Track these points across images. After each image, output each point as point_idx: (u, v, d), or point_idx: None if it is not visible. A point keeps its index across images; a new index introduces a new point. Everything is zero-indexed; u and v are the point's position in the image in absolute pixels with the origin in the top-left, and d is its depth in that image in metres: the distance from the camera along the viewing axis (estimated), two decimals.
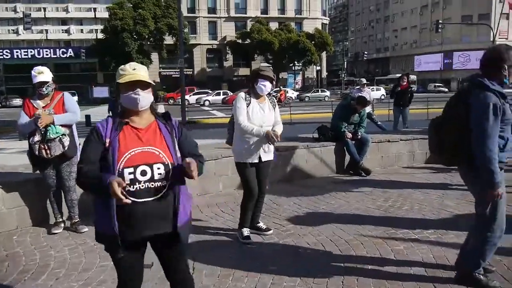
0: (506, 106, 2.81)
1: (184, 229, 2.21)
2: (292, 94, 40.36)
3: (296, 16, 56.46)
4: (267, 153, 4.04)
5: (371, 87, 40.06)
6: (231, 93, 39.03)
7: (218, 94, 40.35)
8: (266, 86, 3.90)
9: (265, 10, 56.54)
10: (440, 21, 39.70)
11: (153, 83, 2.26)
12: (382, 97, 36.03)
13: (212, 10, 55.52)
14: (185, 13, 50.06)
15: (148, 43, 45.78)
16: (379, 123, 10.47)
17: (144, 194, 2.07)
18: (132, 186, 2.05)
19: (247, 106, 3.87)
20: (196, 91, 43.15)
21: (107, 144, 2.09)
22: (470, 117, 2.79)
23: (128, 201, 1.97)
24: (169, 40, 45.06)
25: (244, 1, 56.05)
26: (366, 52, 67.92)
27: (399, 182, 6.19)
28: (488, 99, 2.74)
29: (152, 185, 2.09)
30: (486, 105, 2.73)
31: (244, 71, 56.47)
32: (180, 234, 2.18)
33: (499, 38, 55.09)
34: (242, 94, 3.94)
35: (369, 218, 4.59)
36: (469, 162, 2.86)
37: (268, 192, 5.73)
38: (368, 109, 10.41)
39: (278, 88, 35.39)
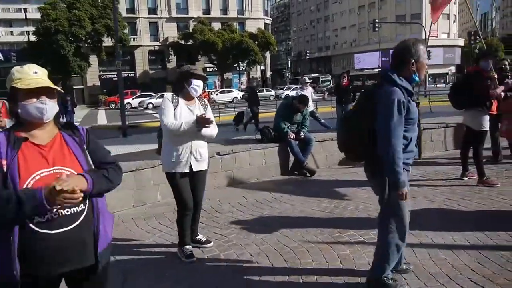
0: (412, 104, 2.70)
1: (104, 255, 1.89)
2: (215, 95, 39.47)
3: (239, 16, 56.34)
4: (200, 162, 3.71)
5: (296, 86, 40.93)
6: (158, 95, 38.17)
7: (162, 96, 39.22)
8: (199, 87, 3.60)
9: (207, 11, 55.91)
10: (376, 21, 41.22)
11: (60, 90, 1.89)
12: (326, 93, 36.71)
13: (152, 10, 54.03)
14: (124, 13, 48.47)
15: (86, 45, 43.67)
16: (322, 121, 10.48)
17: (57, 224, 1.71)
18: (42, 216, 1.68)
19: (175, 109, 3.54)
20: (138, 94, 41.80)
21: (4, 168, 1.66)
22: (377, 113, 2.68)
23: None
24: (108, 41, 43.26)
25: (186, 1, 55.08)
26: (308, 51, 69.32)
27: (344, 181, 6.11)
28: (393, 94, 2.62)
29: (67, 212, 1.73)
30: (391, 101, 2.60)
31: None
32: (99, 262, 1.85)
33: (431, 37, 58.33)
34: (168, 96, 3.60)
35: (315, 222, 4.43)
36: (374, 161, 2.75)
37: (209, 199, 5.49)
38: (311, 107, 10.44)
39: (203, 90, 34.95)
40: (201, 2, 55.81)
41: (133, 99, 39.29)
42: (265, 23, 59.38)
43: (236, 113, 15.67)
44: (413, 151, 2.82)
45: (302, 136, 6.57)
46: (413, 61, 2.68)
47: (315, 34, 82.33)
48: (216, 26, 51.77)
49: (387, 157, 2.62)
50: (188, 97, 3.63)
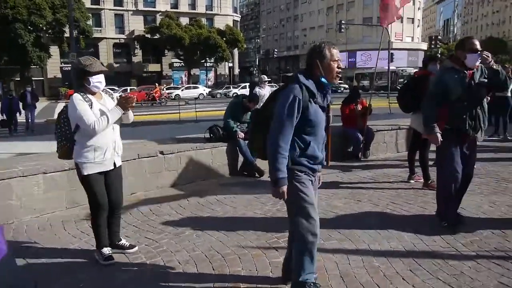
0: (312, 106, 2.58)
1: None
2: (164, 89, 38.61)
3: (207, 12, 55.69)
4: (120, 156, 3.52)
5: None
6: (135, 88, 37.22)
7: (125, 90, 38.15)
8: (101, 82, 3.35)
9: (175, 5, 55.02)
10: (343, 22, 41.67)
11: None
12: None
13: (118, 2, 52.60)
14: (88, 4, 46.94)
15: (47, 35, 41.93)
16: None
17: None
18: None
19: (91, 107, 3.28)
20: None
21: None
22: None
23: None
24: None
25: None
26: (276, 50, 69.51)
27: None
28: (291, 90, 2.55)
29: None
30: (287, 97, 2.54)
31: (154, 67, 54.54)
32: None
33: (395, 40, 59.79)
34: (77, 96, 3.28)
35: (254, 226, 4.25)
36: None
37: (149, 200, 5.23)
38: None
39: (154, 86, 34.07)
40: None
41: None
42: (233, 20, 59.07)
43: (195, 110, 15.35)
44: (317, 157, 2.70)
45: None
46: (318, 61, 2.59)
47: (284, 33, 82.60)
48: (184, 21, 51.07)
49: (269, 151, 2.55)
50: (93, 93, 3.38)
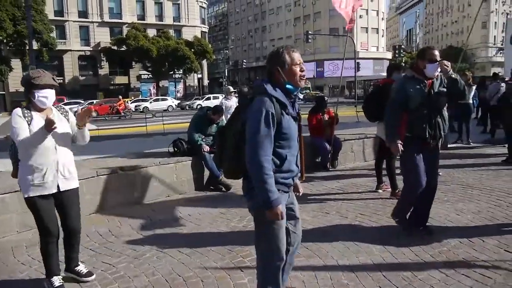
0: (285, 118, 2.43)
1: None
2: (129, 102, 37.88)
3: (175, 23, 55.40)
4: (69, 180, 3.23)
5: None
6: (94, 102, 36.15)
7: (91, 103, 37.18)
8: (48, 97, 3.10)
9: (142, 17, 54.42)
10: (310, 32, 42.27)
11: None
12: None
13: (83, 14, 51.53)
14: (51, 16, 45.76)
15: (8, 48, 40.49)
16: None
17: None
18: None
19: (29, 124, 3.03)
20: (66, 101, 39.35)
21: None
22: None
23: None
24: (34, 44, 40.38)
25: (119, 6, 53.23)
26: (245, 61, 69.75)
27: None
28: (262, 105, 2.34)
29: None
30: (259, 112, 2.33)
31: (121, 79, 53.61)
32: None
33: (361, 49, 61.24)
34: (18, 111, 3.05)
35: (219, 244, 4.05)
36: (245, 180, 2.48)
37: (109, 220, 4.95)
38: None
39: (118, 98, 33.33)
40: (136, 7, 54.31)
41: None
42: (202, 31, 58.96)
43: (163, 123, 15.02)
44: (293, 171, 2.53)
45: None
46: (279, 68, 2.43)
47: (252, 43, 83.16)
48: (151, 32, 50.53)
49: (254, 174, 2.34)
50: (41, 109, 3.13)
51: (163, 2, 55.76)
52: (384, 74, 6.31)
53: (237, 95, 10.04)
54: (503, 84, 9.66)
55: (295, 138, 2.53)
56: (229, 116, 9.48)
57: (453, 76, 3.88)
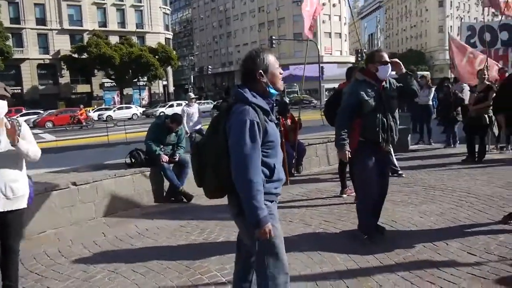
0: (270, 125, 2.26)
1: None
2: (91, 111, 36.73)
3: (138, 30, 54.41)
4: (13, 200, 2.94)
5: (201, 101, 39.25)
6: (46, 112, 34.86)
7: (51, 114, 35.80)
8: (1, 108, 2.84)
9: (103, 23, 53.14)
10: (274, 37, 42.51)
11: None
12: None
13: (41, 21, 49.73)
14: (7, 23, 43.99)
15: None
16: None
17: None
18: None
19: None
20: (24, 111, 37.76)
21: None
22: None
23: None
24: None
25: (79, 12, 51.75)
26: (211, 67, 69.46)
27: (221, 206, 5.61)
28: (245, 115, 2.16)
29: None
30: (243, 123, 2.15)
31: (83, 88, 52.12)
32: None
33: (325, 53, 62.20)
34: None
35: (176, 260, 3.80)
36: (233, 196, 2.26)
37: (59, 239, 4.61)
38: (199, 125, 9.90)
39: (79, 108, 32.33)
40: (97, 14, 52.98)
41: (17, 117, 35.26)
42: (166, 38, 58.20)
43: (125, 132, 14.57)
44: (281, 179, 2.35)
45: (177, 159, 5.97)
46: (261, 71, 2.26)
47: (218, 49, 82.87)
48: (114, 39, 49.38)
49: (242, 191, 2.15)
50: None
51: (125, 8, 54.71)
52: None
53: (199, 101, 9.81)
54: (464, 85, 9.88)
55: (279, 144, 2.38)
56: (191, 123, 9.29)
57: (406, 71, 3.92)
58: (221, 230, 4.59)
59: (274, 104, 2.42)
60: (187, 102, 9.95)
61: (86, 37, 49.45)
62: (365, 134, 3.89)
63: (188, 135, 9.99)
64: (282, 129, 7.22)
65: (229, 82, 75.93)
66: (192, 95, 9.97)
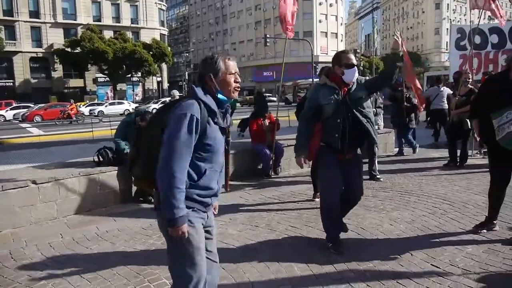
0: (212, 127, 2.15)
1: None
2: (81, 106, 36.09)
3: (132, 25, 53.97)
4: None
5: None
6: (36, 106, 34.40)
7: (41, 108, 35.36)
8: None
9: (98, 18, 52.67)
10: (268, 36, 42.28)
11: None
12: None
13: (34, 14, 49.21)
14: (0, 15, 43.52)
15: None
16: None
17: None
18: None
19: None
20: (15, 105, 37.36)
21: None
22: None
23: None
24: None
25: (73, 6, 51.25)
26: None
27: None
28: (187, 108, 2.08)
29: None
30: (183, 116, 2.06)
31: (76, 82, 51.71)
32: None
33: (321, 53, 62.10)
34: None
35: (128, 265, 3.62)
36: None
37: (14, 240, 4.41)
38: None
39: (69, 102, 31.93)
40: (91, 8, 52.52)
41: (7, 111, 34.93)
42: (161, 34, 57.79)
43: (110, 128, 14.31)
44: (212, 188, 2.22)
45: None
46: (211, 75, 2.18)
47: (214, 46, 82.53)
48: (108, 34, 48.95)
49: (161, 183, 2.05)
50: None
51: (120, 3, 54.26)
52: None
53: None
54: (442, 88, 9.75)
55: (220, 152, 2.24)
56: None
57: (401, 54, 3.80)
58: None
59: (229, 111, 2.32)
60: (171, 99, 9.75)
61: (80, 31, 48.99)
62: (325, 139, 3.72)
63: None
64: (257, 128, 7.06)
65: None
66: (176, 92, 9.79)
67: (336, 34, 67.82)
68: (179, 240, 2.10)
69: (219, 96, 2.19)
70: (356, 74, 3.62)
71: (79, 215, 5.26)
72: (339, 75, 3.63)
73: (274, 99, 42.88)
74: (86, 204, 5.38)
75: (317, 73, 5.50)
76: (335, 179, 3.71)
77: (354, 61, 3.61)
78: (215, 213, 2.48)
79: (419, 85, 9.00)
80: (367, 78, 3.94)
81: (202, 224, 2.25)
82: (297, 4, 7.36)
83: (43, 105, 34.73)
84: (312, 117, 3.72)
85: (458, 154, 7.72)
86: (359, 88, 3.69)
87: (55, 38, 49.49)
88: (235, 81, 2.26)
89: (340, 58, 3.65)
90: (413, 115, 8.96)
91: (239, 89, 2.29)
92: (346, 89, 3.66)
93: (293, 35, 7.43)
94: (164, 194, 2.04)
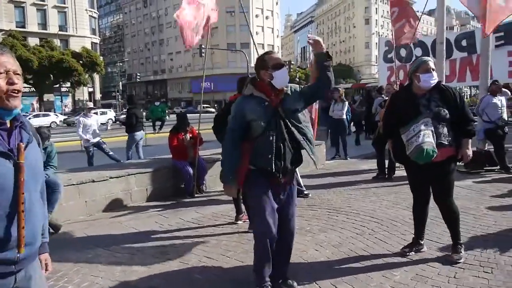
0: None
1: None
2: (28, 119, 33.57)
3: (60, 32, 51.07)
4: None
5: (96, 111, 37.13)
6: None
7: None
8: None
9: (22, 24, 49.21)
10: (203, 47, 41.67)
11: None
12: (110, 122, 33.21)
13: None
14: None
15: None
16: (110, 153, 8.92)
17: None
18: None
19: None
20: None
21: None
22: None
23: None
24: None
25: None
26: (142, 74, 67.36)
27: (91, 241, 4.72)
28: None
29: None
30: None
31: None
32: None
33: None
34: None
35: None
36: None
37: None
38: (98, 138, 8.89)
39: None
40: (14, 13, 48.98)
41: None
42: (92, 42, 55.23)
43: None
44: None
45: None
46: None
47: (150, 57, 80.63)
48: (34, 41, 45.86)
49: None
50: None
51: (47, 9, 51.19)
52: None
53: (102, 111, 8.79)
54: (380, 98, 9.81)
55: (6, 188, 1.55)
56: (88, 135, 8.13)
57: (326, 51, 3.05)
58: (76, 274, 3.71)
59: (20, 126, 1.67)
60: (84, 112, 8.88)
61: (0, 37, 45.44)
62: (255, 161, 3.02)
63: (84, 148, 8.95)
64: (178, 144, 6.50)
65: (161, 90, 74.08)
66: (90, 104, 8.95)
67: (273, 46, 68.92)
68: None
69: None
70: (287, 77, 3.07)
71: None
72: (267, 80, 3.01)
73: (213, 110, 42.38)
74: None
75: (237, 87, 4.90)
76: (269, 210, 3.03)
77: (281, 61, 3.03)
78: (48, 269, 1.86)
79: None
80: (302, 87, 3.30)
81: None
82: (211, 18, 6.85)
83: None
84: (239, 137, 3.04)
85: (387, 165, 7.65)
86: (294, 98, 3.07)
87: None
88: (7, 83, 1.60)
89: (265, 60, 3.03)
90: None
91: (17, 94, 1.61)
92: (279, 99, 3.04)
93: (192, 47, 6.93)
94: None
